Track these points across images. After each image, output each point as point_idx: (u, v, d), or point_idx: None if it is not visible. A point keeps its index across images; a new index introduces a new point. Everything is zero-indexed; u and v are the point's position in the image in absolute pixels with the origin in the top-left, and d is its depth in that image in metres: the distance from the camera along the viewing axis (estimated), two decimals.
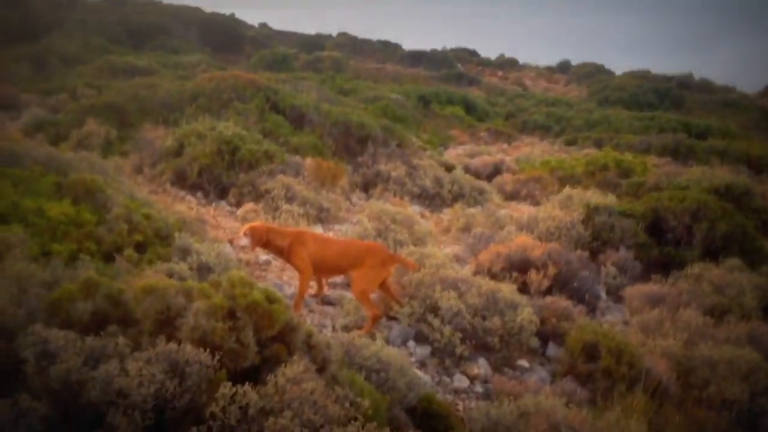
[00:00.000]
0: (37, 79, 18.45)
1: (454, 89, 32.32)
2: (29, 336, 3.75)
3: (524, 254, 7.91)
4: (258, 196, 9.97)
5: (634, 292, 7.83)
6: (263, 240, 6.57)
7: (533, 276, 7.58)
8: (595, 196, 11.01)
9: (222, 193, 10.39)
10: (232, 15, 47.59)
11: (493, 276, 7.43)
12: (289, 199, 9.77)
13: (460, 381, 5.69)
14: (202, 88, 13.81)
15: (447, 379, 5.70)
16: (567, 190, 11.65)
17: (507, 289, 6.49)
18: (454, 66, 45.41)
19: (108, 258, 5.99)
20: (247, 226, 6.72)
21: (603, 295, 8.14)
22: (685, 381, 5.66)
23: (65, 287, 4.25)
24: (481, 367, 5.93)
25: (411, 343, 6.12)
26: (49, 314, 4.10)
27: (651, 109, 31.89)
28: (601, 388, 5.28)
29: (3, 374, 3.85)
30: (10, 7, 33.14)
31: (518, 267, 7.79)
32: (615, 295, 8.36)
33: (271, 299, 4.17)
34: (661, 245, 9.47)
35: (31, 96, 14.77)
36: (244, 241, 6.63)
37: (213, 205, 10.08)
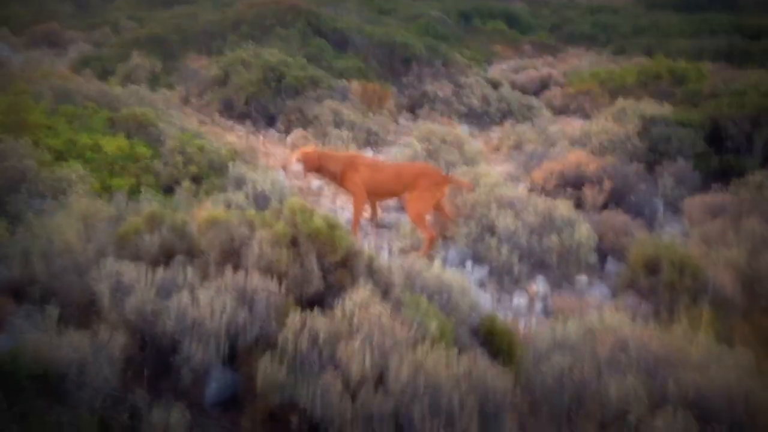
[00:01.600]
0: (80, 15, 18.45)
1: (496, 3, 31.31)
2: (102, 269, 3.86)
3: (579, 170, 7.77)
4: (306, 122, 9.94)
5: (694, 202, 7.64)
6: (315, 165, 6.58)
7: (589, 192, 7.46)
8: (649, 107, 10.65)
9: (270, 121, 10.38)
10: None
11: (548, 193, 7.33)
12: (337, 124, 9.72)
13: (520, 299, 5.71)
14: (243, 14, 13.65)
15: (506, 298, 5.73)
16: (620, 101, 11.30)
17: (563, 206, 6.40)
18: None
19: (167, 190, 6.09)
20: (299, 151, 6.73)
21: (661, 207, 7.98)
22: (750, 291, 5.56)
23: (131, 221, 4.34)
24: (539, 284, 5.92)
25: (468, 264, 6.13)
26: (119, 248, 4.21)
27: (702, 10, 30.36)
28: (665, 301, 5.24)
29: (79, 307, 4.00)
30: None
31: (573, 183, 7.67)
32: (673, 207, 8.18)
33: (331, 225, 4.19)
34: (721, 154, 9.17)
35: (75, 32, 14.80)
36: (297, 167, 6.64)
37: (262, 132, 10.10)
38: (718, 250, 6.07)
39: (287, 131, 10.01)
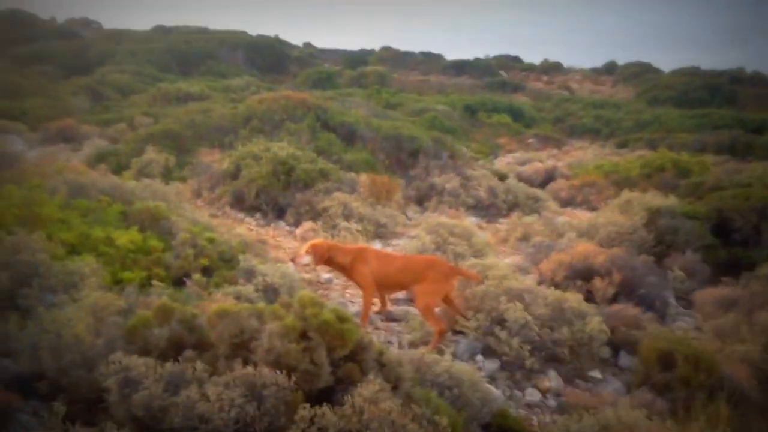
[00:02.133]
0: (95, 110, 19.02)
1: (500, 97, 32.14)
2: (110, 364, 3.84)
3: (587, 262, 7.78)
4: (315, 214, 10.05)
5: (705, 296, 7.61)
6: (325, 257, 6.62)
7: (598, 284, 7.44)
8: (655, 199, 10.77)
9: (280, 213, 10.50)
10: (277, 36, 48.37)
11: (557, 285, 7.31)
12: (347, 216, 9.82)
13: (532, 394, 5.60)
14: (254, 110, 14.04)
15: (518, 393, 5.62)
16: (626, 193, 11.43)
17: (573, 299, 6.38)
18: (498, 74, 45.20)
19: (177, 283, 6.10)
20: (308, 244, 6.77)
21: (672, 300, 7.93)
22: (766, 386, 5.46)
23: (141, 314, 4.34)
24: (552, 379, 5.83)
25: (479, 357, 6.05)
26: (128, 341, 4.20)
27: (703, 106, 31.03)
28: (680, 398, 5.14)
29: (87, 403, 3.95)
30: (65, 42, 34.36)
31: (582, 275, 7.66)
32: (684, 300, 8.14)
33: (341, 318, 4.17)
34: (728, 246, 9.20)
35: (91, 127, 15.22)
36: (307, 259, 6.68)
37: (272, 225, 10.20)
38: (732, 344, 6.00)
39: (297, 224, 10.11)
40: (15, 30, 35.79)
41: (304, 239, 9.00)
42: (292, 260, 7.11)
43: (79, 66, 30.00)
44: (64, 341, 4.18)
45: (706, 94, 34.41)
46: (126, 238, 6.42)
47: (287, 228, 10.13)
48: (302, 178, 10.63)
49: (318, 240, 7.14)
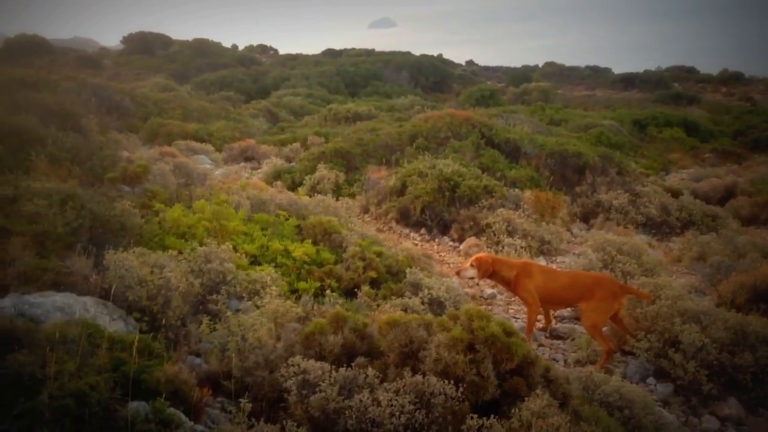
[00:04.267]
0: (272, 131, 20.30)
1: (672, 110, 30.49)
2: (290, 367, 4.12)
3: None
4: (479, 230, 10.10)
5: None
6: (489, 271, 6.65)
7: None
8: None
9: (444, 229, 10.66)
10: (440, 56, 49.09)
11: (738, 308, 6.85)
12: (510, 233, 9.78)
13: (710, 422, 5.31)
14: (419, 128, 14.34)
15: (695, 420, 5.35)
16: None
17: (757, 322, 5.97)
18: (671, 86, 42.91)
19: (348, 294, 6.41)
20: (473, 257, 6.85)
21: None
22: None
23: (317, 321, 4.62)
24: (732, 407, 5.48)
25: (651, 380, 5.83)
26: (305, 346, 4.48)
27: None
28: None
29: (269, 402, 4.27)
30: (245, 68, 36.98)
31: (767, 298, 7.13)
32: None
33: (508, 332, 4.22)
34: None
35: (268, 147, 16.28)
36: (471, 272, 6.75)
37: (436, 240, 10.38)
38: None
39: (460, 239, 10.21)
40: (201, 58, 39.01)
41: (467, 255, 9.08)
42: (457, 273, 7.21)
43: (258, 90, 32.15)
44: (248, 344, 4.54)
45: None
46: (301, 250, 6.83)
47: (451, 243, 10.26)
48: (467, 194, 10.73)
49: (483, 253, 7.19)
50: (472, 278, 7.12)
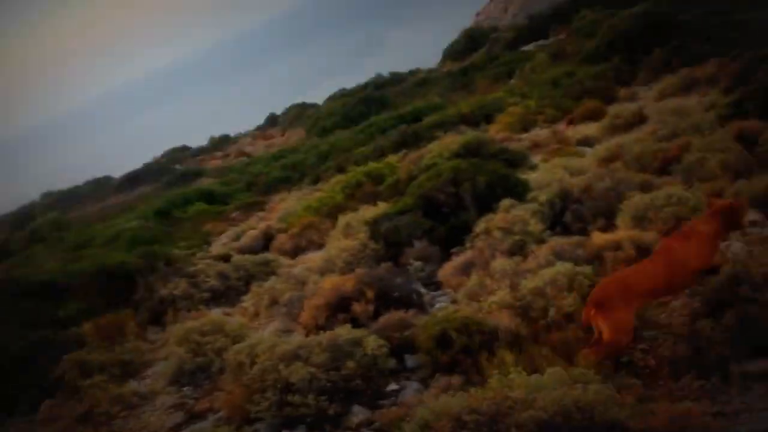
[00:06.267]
0: None
1: (185, 189, 31.54)
2: None
3: (339, 293, 7.85)
4: None
5: (446, 272, 8.23)
6: None
7: (357, 307, 7.53)
8: (368, 212, 11.38)
9: None
10: None
11: (323, 328, 7.31)
12: None
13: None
14: None
15: None
16: (341, 219, 11.96)
17: (343, 331, 6.43)
18: (174, 169, 44.38)
19: None
20: None
21: (422, 289, 8.34)
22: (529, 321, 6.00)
23: None
24: (357, 413, 5.80)
25: None
26: None
27: (365, 117, 33.40)
28: (469, 364, 5.44)
29: None
30: None
31: (340, 308, 7.72)
32: (432, 284, 8.65)
33: None
34: (443, 221, 9.94)
35: None
36: None
37: None
38: (486, 299, 6.51)
39: None
40: None
41: None
42: None
43: None
44: None
45: (363, 107, 37.18)
46: None
47: None
48: None
49: None
50: None
